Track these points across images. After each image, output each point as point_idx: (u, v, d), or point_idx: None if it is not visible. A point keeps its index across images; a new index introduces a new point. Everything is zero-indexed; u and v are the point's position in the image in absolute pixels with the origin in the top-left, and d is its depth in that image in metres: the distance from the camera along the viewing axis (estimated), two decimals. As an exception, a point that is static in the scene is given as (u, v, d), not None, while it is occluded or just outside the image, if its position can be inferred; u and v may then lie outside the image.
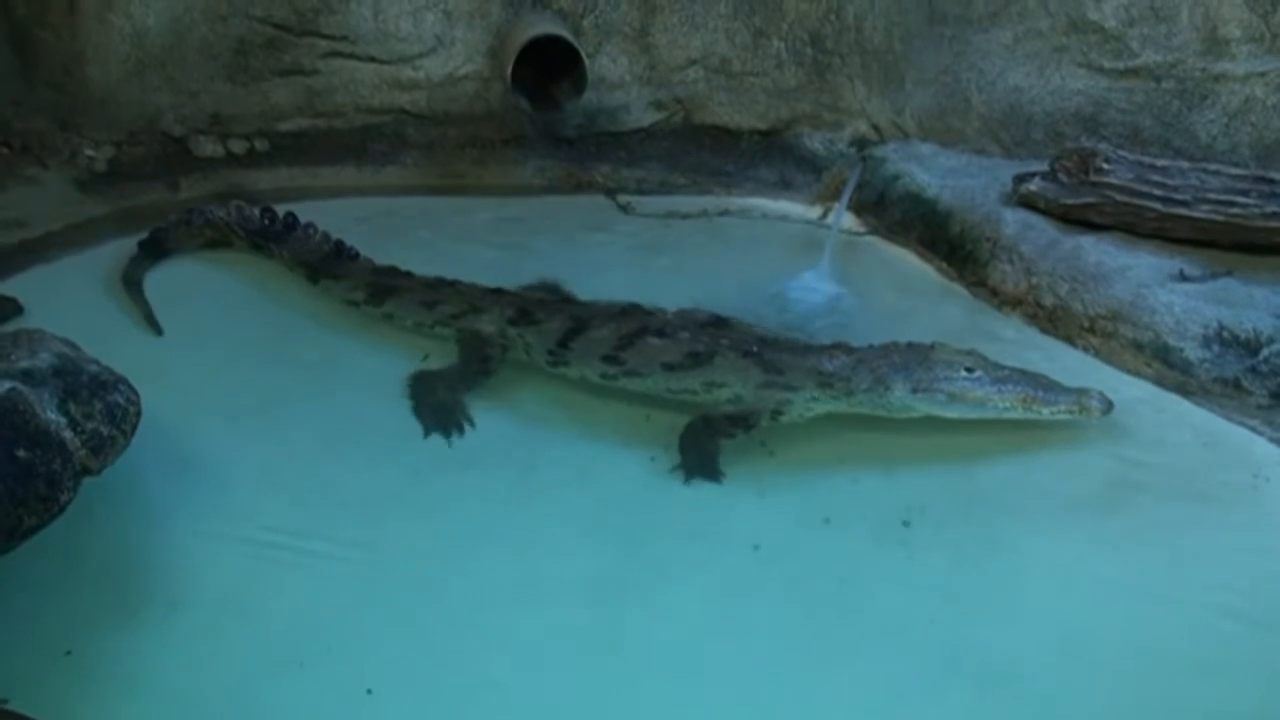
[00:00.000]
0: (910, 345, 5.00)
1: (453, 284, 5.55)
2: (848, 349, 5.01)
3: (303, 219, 6.03)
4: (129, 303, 5.70)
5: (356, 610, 3.96)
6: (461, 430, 4.91)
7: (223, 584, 4.02)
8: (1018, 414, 4.88)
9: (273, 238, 5.97)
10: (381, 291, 5.56)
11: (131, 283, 5.82)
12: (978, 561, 4.34)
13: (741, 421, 4.85)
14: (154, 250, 6.06)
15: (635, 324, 5.10)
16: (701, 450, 4.77)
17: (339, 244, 5.91)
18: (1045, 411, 4.89)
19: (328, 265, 5.78)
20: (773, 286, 6.06)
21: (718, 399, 4.93)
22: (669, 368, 4.96)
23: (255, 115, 7.32)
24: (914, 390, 4.84)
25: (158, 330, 5.54)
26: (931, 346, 4.98)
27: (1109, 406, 4.90)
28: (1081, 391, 4.93)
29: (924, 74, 7.37)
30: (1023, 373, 4.96)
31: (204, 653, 3.75)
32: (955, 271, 6.28)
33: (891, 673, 3.84)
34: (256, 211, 6.07)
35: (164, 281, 5.89)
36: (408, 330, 5.49)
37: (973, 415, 4.89)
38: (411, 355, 5.34)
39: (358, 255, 5.87)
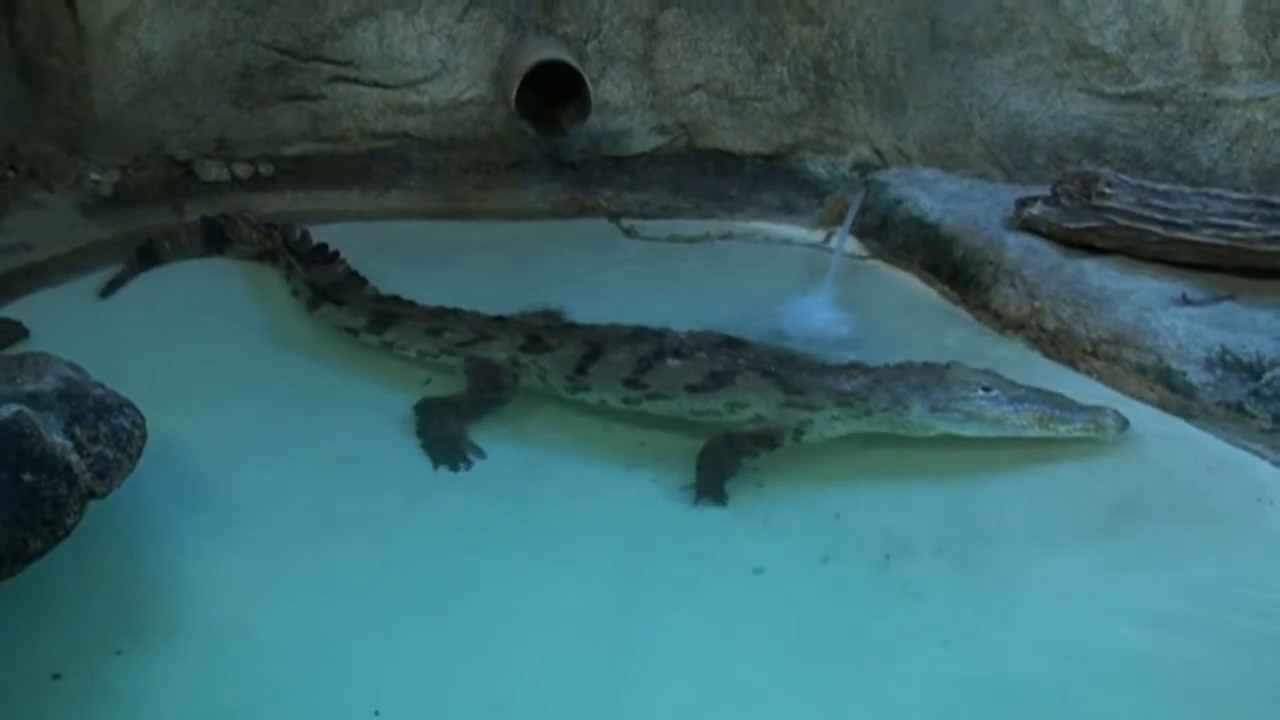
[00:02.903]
0: (926, 365, 5.03)
1: (455, 312, 5.51)
2: (865, 369, 5.04)
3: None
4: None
5: (362, 632, 3.95)
6: (469, 462, 4.87)
7: (228, 607, 4.02)
8: (1034, 432, 4.92)
9: (306, 262, 5.95)
10: (383, 319, 5.52)
11: (144, 251, 6.06)
12: (982, 586, 4.32)
13: (765, 440, 4.84)
14: (210, 237, 6.24)
15: (651, 346, 5.10)
16: (718, 472, 4.75)
17: (353, 273, 5.91)
18: (1062, 430, 4.92)
19: (334, 291, 5.74)
20: (776, 310, 6.07)
21: (740, 419, 4.94)
22: (692, 389, 4.96)
23: (260, 140, 7.35)
24: (932, 410, 4.87)
25: (104, 294, 5.85)
26: (948, 366, 5.01)
27: (1124, 425, 4.94)
28: (1097, 410, 4.97)
29: (926, 99, 7.41)
30: (1039, 391, 5.00)
31: (209, 676, 3.74)
32: (958, 295, 6.29)
33: (897, 697, 3.82)
34: (314, 243, 6.10)
35: (172, 298, 5.94)
36: (410, 359, 5.45)
37: (990, 434, 4.92)
38: (415, 378, 5.35)
39: (365, 283, 5.85)
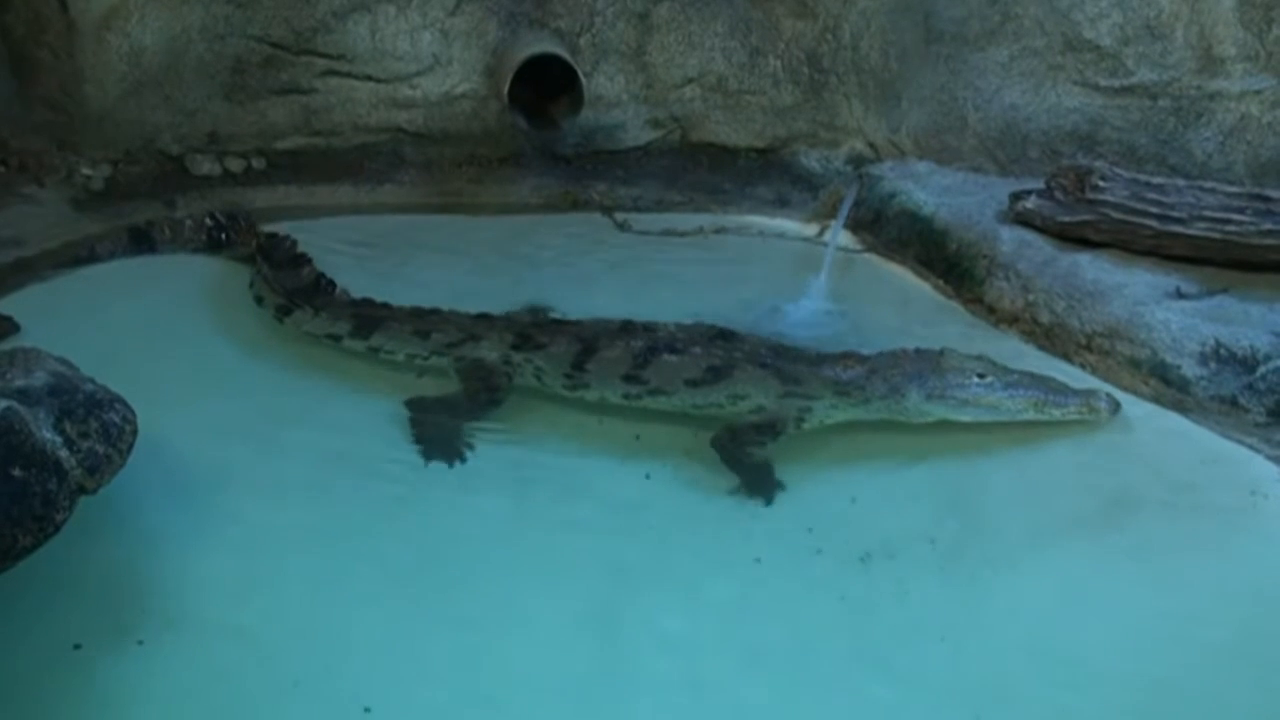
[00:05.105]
0: (919, 352, 5.08)
1: (437, 312, 5.44)
2: (860, 358, 5.07)
3: (299, 239, 6.06)
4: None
5: (354, 628, 3.95)
6: (463, 457, 4.85)
7: (219, 602, 4.01)
8: (1029, 416, 4.98)
9: (275, 264, 5.84)
10: (367, 324, 5.38)
11: (138, 233, 6.11)
12: (976, 579, 4.32)
13: (769, 430, 4.88)
14: (213, 237, 6.22)
15: (644, 341, 5.09)
16: (754, 467, 4.77)
17: (320, 276, 5.80)
18: (1056, 413, 4.99)
19: (305, 296, 5.60)
20: (770, 304, 6.07)
21: (741, 411, 4.96)
22: (692, 384, 4.97)
23: (252, 134, 7.33)
24: (928, 397, 4.94)
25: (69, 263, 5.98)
26: (941, 353, 5.06)
27: (1117, 407, 5.03)
28: (1089, 393, 5.05)
29: (920, 92, 7.40)
30: (1032, 376, 5.08)
31: (200, 671, 3.73)
32: (952, 289, 6.29)
33: (892, 692, 3.82)
34: (296, 251, 6.02)
35: (164, 294, 5.93)
36: (397, 364, 5.38)
37: (986, 419, 4.97)
38: (405, 377, 5.33)
39: (335, 287, 5.75)
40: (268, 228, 6.28)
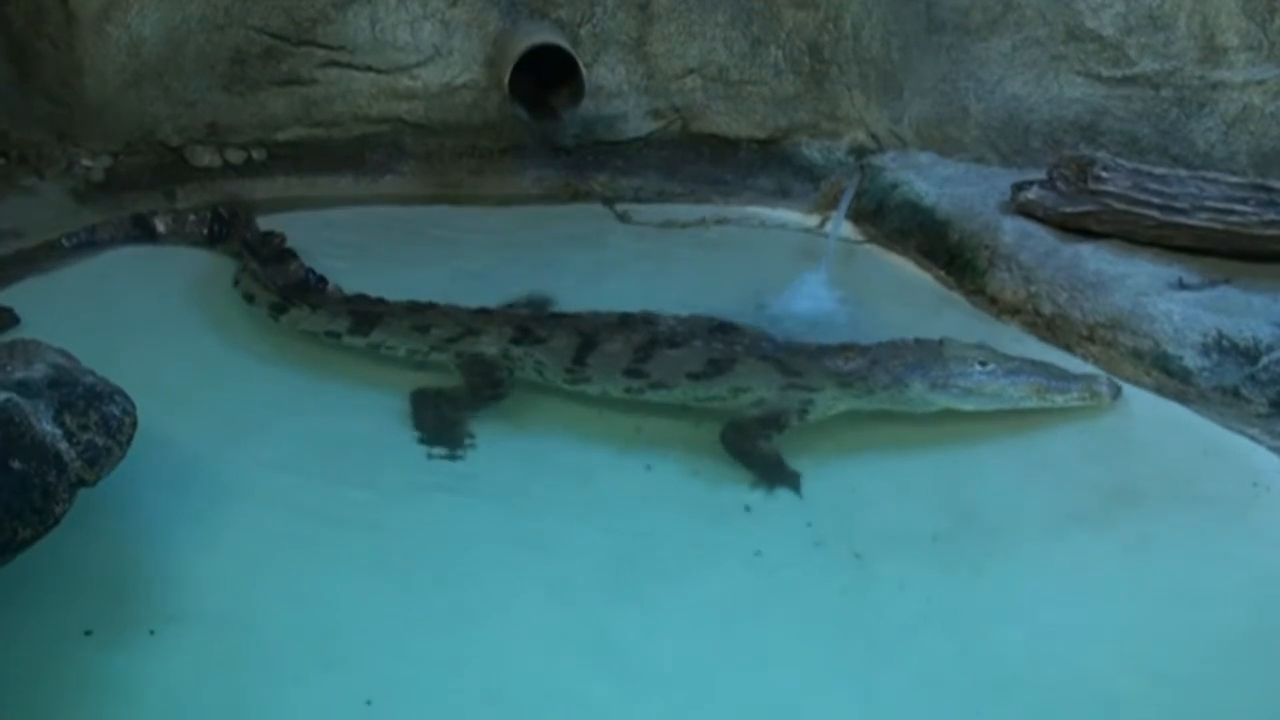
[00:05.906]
0: (919, 342, 5.10)
1: (434, 306, 5.40)
2: (861, 349, 5.08)
3: (297, 231, 6.06)
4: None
5: (355, 622, 3.94)
6: (465, 450, 4.83)
7: (220, 595, 4.00)
8: (1032, 403, 5.00)
9: (262, 261, 5.79)
10: (366, 320, 5.34)
11: (140, 221, 6.21)
12: (977, 573, 4.31)
13: (773, 423, 4.86)
14: (215, 229, 6.24)
15: (645, 334, 5.08)
16: (765, 459, 4.76)
17: (310, 272, 5.76)
18: (1059, 400, 5.02)
19: (299, 293, 5.57)
20: (771, 295, 6.05)
21: (743, 404, 4.95)
22: (694, 377, 4.96)
23: (252, 125, 7.31)
24: (931, 387, 4.96)
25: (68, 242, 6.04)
26: (940, 342, 5.08)
27: (1118, 391, 5.07)
28: (1090, 378, 5.10)
29: (922, 83, 7.38)
30: (1033, 363, 5.12)
31: (202, 665, 3.72)
32: (954, 280, 6.28)
33: (896, 685, 3.81)
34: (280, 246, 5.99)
35: (165, 286, 5.92)
36: (398, 360, 5.33)
37: (989, 407, 4.99)
38: (405, 370, 5.31)
39: (326, 283, 5.71)
40: (267, 219, 6.29)
